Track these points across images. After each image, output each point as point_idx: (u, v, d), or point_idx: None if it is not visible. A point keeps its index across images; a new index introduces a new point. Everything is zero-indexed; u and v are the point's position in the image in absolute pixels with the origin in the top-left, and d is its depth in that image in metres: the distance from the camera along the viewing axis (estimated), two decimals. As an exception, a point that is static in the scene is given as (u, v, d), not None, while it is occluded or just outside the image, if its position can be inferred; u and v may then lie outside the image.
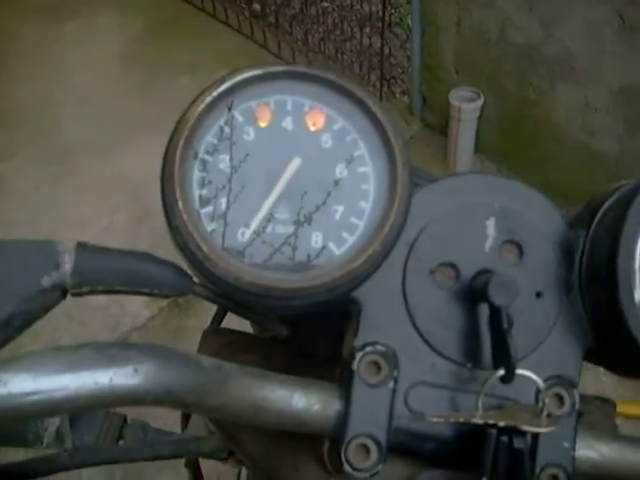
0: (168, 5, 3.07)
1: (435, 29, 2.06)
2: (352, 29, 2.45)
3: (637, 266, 0.30)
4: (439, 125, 2.22)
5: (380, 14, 2.22)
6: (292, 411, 0.29)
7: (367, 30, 2.36)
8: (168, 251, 0.29)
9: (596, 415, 0.40)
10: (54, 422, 0.50)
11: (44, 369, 0.23)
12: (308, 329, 0.36)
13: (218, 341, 0.37)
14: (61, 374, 0.23)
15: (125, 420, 0.53)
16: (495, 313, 0.29)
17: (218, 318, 0.49)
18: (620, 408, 0.44)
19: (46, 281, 0.25)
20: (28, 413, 0.23)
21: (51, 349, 0.24)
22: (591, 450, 0.33)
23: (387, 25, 2.30)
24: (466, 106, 1.98)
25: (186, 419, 0.59)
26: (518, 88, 1.92)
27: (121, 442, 0.52)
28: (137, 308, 1.88)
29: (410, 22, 2.21)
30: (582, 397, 0.41)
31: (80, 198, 2.14)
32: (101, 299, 1.89)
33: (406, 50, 2.37)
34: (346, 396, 0.30)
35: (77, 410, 0.24)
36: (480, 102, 1.98)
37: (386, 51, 2.34)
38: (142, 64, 2.74)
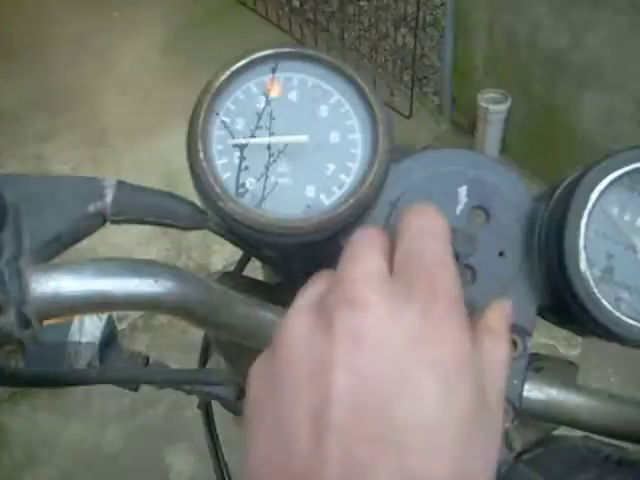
0: (213, -1, 3.17)
1: (467, 31, 2.10)
2: (387, 28, 2.50)
3: (582, 239, 0.36)
4: (467, 125, 2.26)
5: (415, 15, 2.27)
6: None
7: (402, 30, 2.41)
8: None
9: (556, 372, 0.46)
10: (85, 356, 0.57)
11: (85, 273, 0.29)
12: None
13: (230, 282, 0.43)
14: (97, 278, 0.30)
15: (147, 360, 0.60)
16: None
17: (240, 265, 0.55)
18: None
19: (91, 208, 0.32)
20: (68, 307, 0.29)
21: (90, 259, 0.30)
22: (539, 392, 0.38)
23: (421, 26, 2.35)
24: (493, 108, 2.02)
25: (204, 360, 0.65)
26: (545, 92, 1.96)
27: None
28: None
29: (443, 24, 2.26)
30: (546, 357, 0.47)
31: (117, 180, 2.23)
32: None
33: (439, 51, 2.41)
34: None
35: (107, 309, 0.31)
36: (507, 104, 2.03)
37: (419, 52, 2.39)
38: (182, 55, 2.82)
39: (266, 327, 0.35)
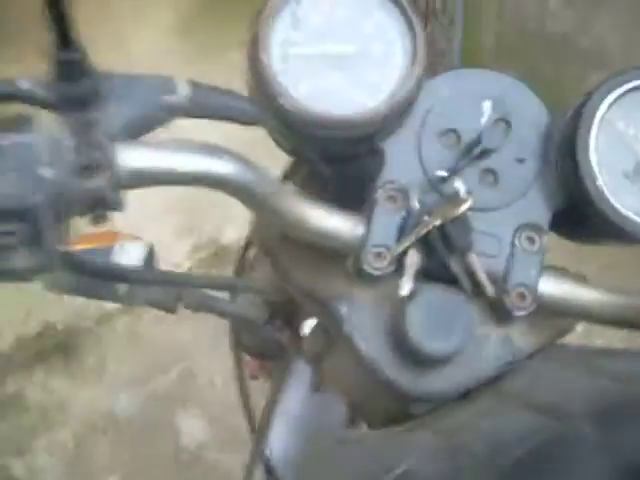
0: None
1: (476, 16, 2.14)
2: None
3: (593, 149, 0.40)
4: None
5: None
6: (327, 228, 0.40)
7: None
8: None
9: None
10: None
11: (166, 149, 0.34)
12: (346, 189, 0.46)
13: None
14: (176, 154, 0.34)
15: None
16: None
17: (285, 174, 0.58)
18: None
19: (165, 100, 0.36)
20: (151, 178, 0.33)
21: (172, 139, 0.35)
22: (554, 284, 0.42)
23: (431, 11, 2.38)
24: (502, 91, 2.06)
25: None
26: (554, 75, 1.99)
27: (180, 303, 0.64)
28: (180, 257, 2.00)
29: (452, 9, 2.29)
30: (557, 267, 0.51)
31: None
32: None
33: (447, 37, 2.45)
34: (369, 218, 0.40)
35: (182, 183, 0.35)
36: (516, 88, 2.06)
37: (429, 38, 2.43)
38: (193, 40, 2.85)
39: (309, 219, 0.39)
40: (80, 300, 1.90)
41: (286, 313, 0.68)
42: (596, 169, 0.40)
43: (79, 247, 0.61)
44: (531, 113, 0.43)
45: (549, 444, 0.30)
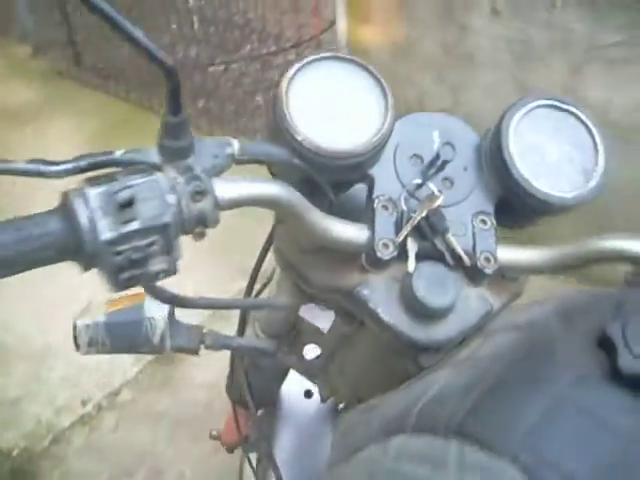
0: (119, 107, 3.39)
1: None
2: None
3: (513, 147, 0.56)
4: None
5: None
6: (343, 235, 0.54)
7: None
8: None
9: None
10: (160, 327, 0.71)
11: (240, 181, 0.47)
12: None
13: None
14: (249, 184, 0.47)
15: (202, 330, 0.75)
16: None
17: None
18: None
19: (226, 151, 0.49)
20: (237, 203, 0.46)
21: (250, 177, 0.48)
22: (507, 249, 0.57)
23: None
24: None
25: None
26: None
27: (202, 346, 0.74)
28: (125, 365, 2.04)
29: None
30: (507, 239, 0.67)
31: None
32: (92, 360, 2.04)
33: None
34: (372, 222, 0.55)
35: (251, 203, 0.47)
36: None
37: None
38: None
39: (325, 230, 0.53)
40: (31, 423, 1.88)
41: (290, 342, 0.80)
42: (518, 163, 0.56)
43: (114, 309, 0.71)
44: (466, 136, 0.60)
45: (534, 343, 0.45)
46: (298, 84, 0.54)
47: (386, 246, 0.54)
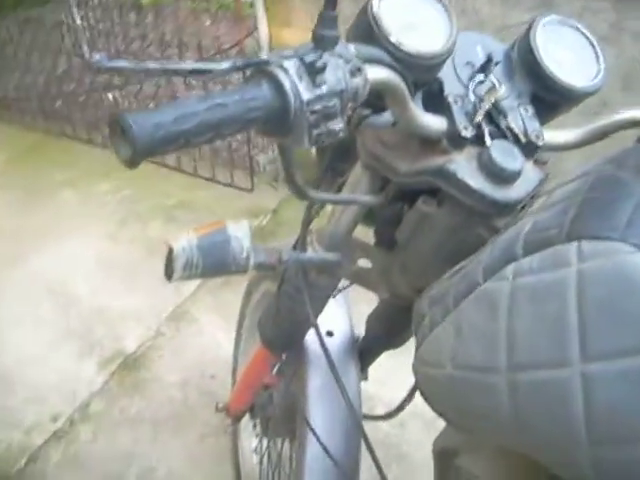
0: (29, 135, 3.32)
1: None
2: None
3: (541, 46, 0.72)
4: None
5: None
6: (428, 122, 0.66)
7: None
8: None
9: None
10: (245, 244, 0.78)
11: None
12: None
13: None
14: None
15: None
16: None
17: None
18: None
19: None
20: None
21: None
22: (546, 131, 0.72)
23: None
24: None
25: None
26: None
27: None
28: (89, 377, 2.01)
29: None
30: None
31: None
32: (51, 377, 1.99)
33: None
34: (449, 111, 0.67)
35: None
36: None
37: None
38: (18, 187, 2.91)
39: None
40: (0, 449, 1.82)
41: (346, 255, 0.89)
42: (547, 61, 0.71)
43: (202, 232, 0.78)
44: (499, 48, 0.75)
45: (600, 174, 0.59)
46: (386, 2, 0.66)
47: (466, 128, 0.67)
